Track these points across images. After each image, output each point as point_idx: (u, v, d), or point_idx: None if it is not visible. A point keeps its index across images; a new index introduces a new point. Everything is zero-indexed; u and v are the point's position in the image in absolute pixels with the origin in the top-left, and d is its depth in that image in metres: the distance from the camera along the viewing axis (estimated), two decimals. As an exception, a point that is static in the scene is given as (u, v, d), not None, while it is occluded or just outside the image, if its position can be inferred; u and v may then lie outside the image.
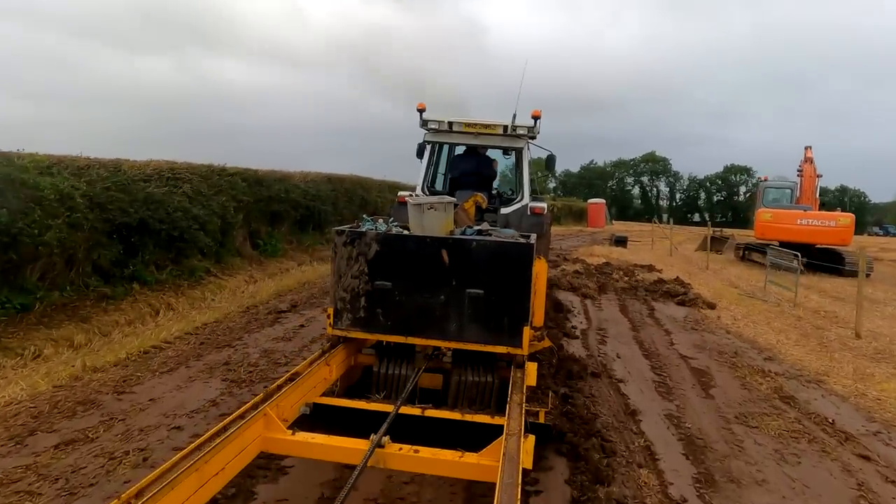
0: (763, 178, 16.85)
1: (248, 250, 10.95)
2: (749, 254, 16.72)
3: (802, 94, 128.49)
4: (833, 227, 14.08)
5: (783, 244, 14.59)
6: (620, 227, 38.51)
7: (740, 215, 78.74)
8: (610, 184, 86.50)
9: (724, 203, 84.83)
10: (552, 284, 8.78)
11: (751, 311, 8.98)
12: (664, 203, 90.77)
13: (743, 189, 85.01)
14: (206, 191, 9.47)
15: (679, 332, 7.36)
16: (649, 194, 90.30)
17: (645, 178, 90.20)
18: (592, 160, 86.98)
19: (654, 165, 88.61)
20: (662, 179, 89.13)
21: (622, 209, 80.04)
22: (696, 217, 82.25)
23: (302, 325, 6.72)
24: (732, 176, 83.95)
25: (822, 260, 13.84)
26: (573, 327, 7.17)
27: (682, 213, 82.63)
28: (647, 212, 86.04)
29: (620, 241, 20.15)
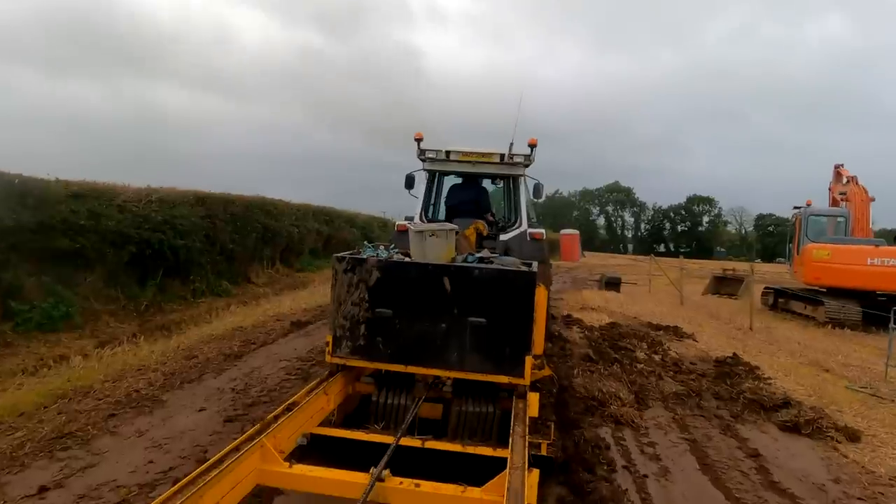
0: (806, 204, 13.03)
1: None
2: (786, 302, 12.74)
3: (736, 125, 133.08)
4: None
5: (834, 290, 10.62)
6: (595, 262, 34.75)
7: (704, 245, 77.79)
8: (575, 214, 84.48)
9: (688, 233, 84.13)
10: (562, 388, 5.54)
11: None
12: (629, 233, 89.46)
13: (706, 219, 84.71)
14: None
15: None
16: (614, 224, 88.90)
17: (609, 208, 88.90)
18: (558, 190, 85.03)
19: (619, 195, 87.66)
20: (627, 209, 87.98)
21: (588, 240, 77.80)
22: (662, 247, 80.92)
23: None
24: (695, 206, 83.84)
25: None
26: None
27: (647, 244, 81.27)
28: (613, 242, 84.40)
29: (613, 284, 16.04)
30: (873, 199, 12.51)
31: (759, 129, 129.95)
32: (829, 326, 10.45)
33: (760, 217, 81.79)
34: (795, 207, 13.23)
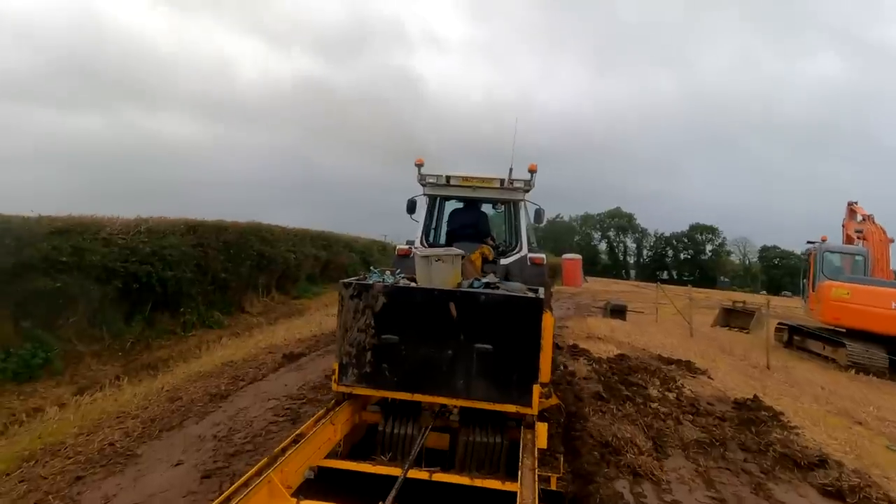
0: (822, 240, 12.48)
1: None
2: (803, 341, 12.13)
3: (736, 155, 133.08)
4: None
5: (853, 332, 10.05)
6: (598, 287, 34.23)
7: (707, 274, 77.17)
8: (576, 238, 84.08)
9: (691, 261, 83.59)
10: (573, 431, 5.10)
11: None
12: (631, 259, 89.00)
13: (709, 248, 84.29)
14: None
15: None
16: (616, 250, 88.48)
17: (611, 234, 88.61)
18: (559, 214, 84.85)
19: (620, 221, 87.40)
20: (629, 235, 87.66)
21: (591, 265, 77.42)
22: (665, 275, 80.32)
23: None
24: (698, 234, 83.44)
25: None
26: None
27: (650, 271, 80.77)
28: (615, 267, 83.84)
29: (618, 312, 15.46)
30: (893, 241, 12.02)
31: (758, 160, 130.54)
32: (853, 371, 9.86)
33: (765, 249, 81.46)
34: (809, 242, 12.75)
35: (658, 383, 7.28)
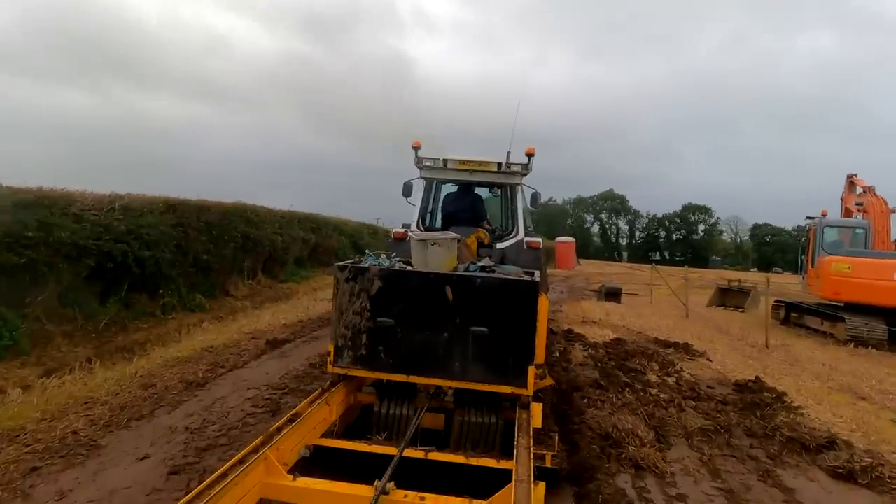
0: (822, 214, 12.21)
1: None
2: (800, 317, 11.97)
3: (728, 134, 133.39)
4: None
5: (853, 306, 9.89)
6: (591, 270, 34.15)
7: (699, 254, 77.47)
8: (569, 221, 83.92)
9: (683, 241, 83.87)
10: (571, 423, 4.87)
11: None
12: (624, 241, 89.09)
13: (701, 227, 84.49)
14: None
15: None
16: (609, 232, 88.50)
17: (604, 216, 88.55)
18: (552, 197, 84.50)
19: (613, 203, 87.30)
20: (622, 217, 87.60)
21: (583, 247, 77.51)
22: (657, 255, 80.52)
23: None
24: (691, 214, 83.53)
25: None
26: None
27: (642, 252, 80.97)
28: (608, 250, 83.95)
29: (613, 295, 15.27)
30: (894, 211, 11.81)
31: (750, 138, 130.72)
32: (852, 345, 9.72)
33: (756, 227, 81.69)
34: (808, 217, 12.51)
35: (657, 368, 7.07)
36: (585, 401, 5.25)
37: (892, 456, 4.51)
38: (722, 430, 4.86)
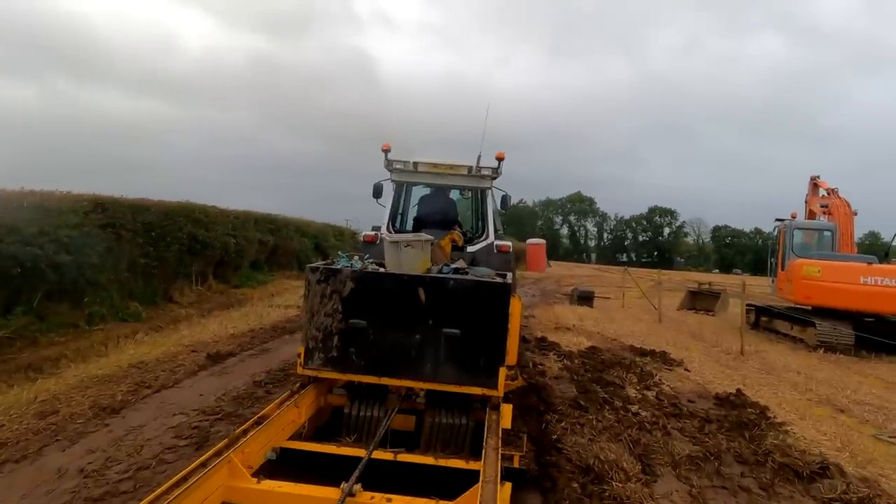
0: (791, 217, 12.14)
1: None
2: (770, 321, 11.87)
3: (689, 139, 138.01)
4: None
5: (820, 310, 9.81)
6: (561, 272, 34.10)
7: (664, 255, 79.23)
8: (539, 223, 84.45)
9: (649, 243, 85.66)
10: (547, 456, 4.33)
11: None
12: (592, 243, 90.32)
13: (667, 230, 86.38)
14: None
15: None
16: (577, 234, 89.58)
17: (572, 218, 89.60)
18: (522, 199, 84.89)
19: (581, 205, 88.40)
20: (590, 219, 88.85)
21: (552, 248, 78.18)
22: (624, 257, 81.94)
23: None
24: (657, 217, 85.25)
25: (882, 334, 9.09)
26: None
27: (610, 253, 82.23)
28: (576, 251, 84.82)
29: (585, 299, 14.94)
30: (856, 213, 11.87)
31: (710, 142, 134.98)
32: (821, 350, 9.57)
33: (717, 228, 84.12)
34: (778, 220, 12.46)
35: (635, 380, 6.69)
36: (563, 424, 4.72)
37: (886, 483, 4.16)
38: (711, 457, 4.42)
